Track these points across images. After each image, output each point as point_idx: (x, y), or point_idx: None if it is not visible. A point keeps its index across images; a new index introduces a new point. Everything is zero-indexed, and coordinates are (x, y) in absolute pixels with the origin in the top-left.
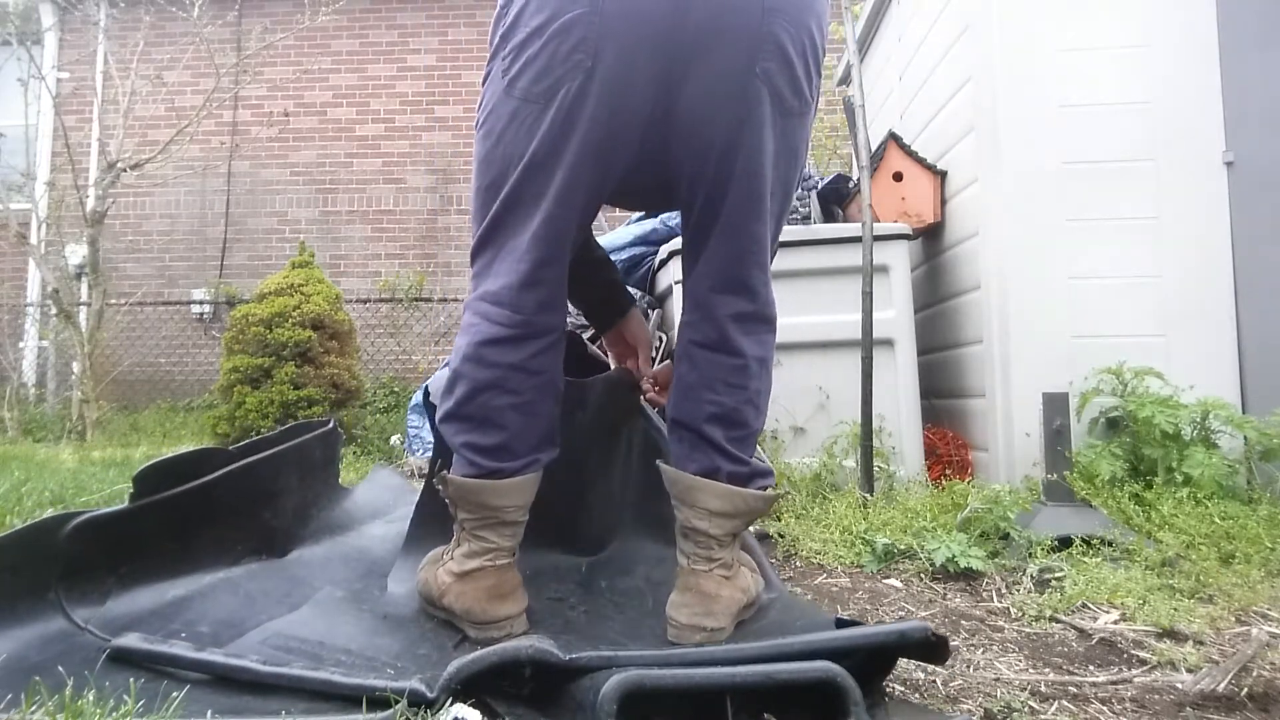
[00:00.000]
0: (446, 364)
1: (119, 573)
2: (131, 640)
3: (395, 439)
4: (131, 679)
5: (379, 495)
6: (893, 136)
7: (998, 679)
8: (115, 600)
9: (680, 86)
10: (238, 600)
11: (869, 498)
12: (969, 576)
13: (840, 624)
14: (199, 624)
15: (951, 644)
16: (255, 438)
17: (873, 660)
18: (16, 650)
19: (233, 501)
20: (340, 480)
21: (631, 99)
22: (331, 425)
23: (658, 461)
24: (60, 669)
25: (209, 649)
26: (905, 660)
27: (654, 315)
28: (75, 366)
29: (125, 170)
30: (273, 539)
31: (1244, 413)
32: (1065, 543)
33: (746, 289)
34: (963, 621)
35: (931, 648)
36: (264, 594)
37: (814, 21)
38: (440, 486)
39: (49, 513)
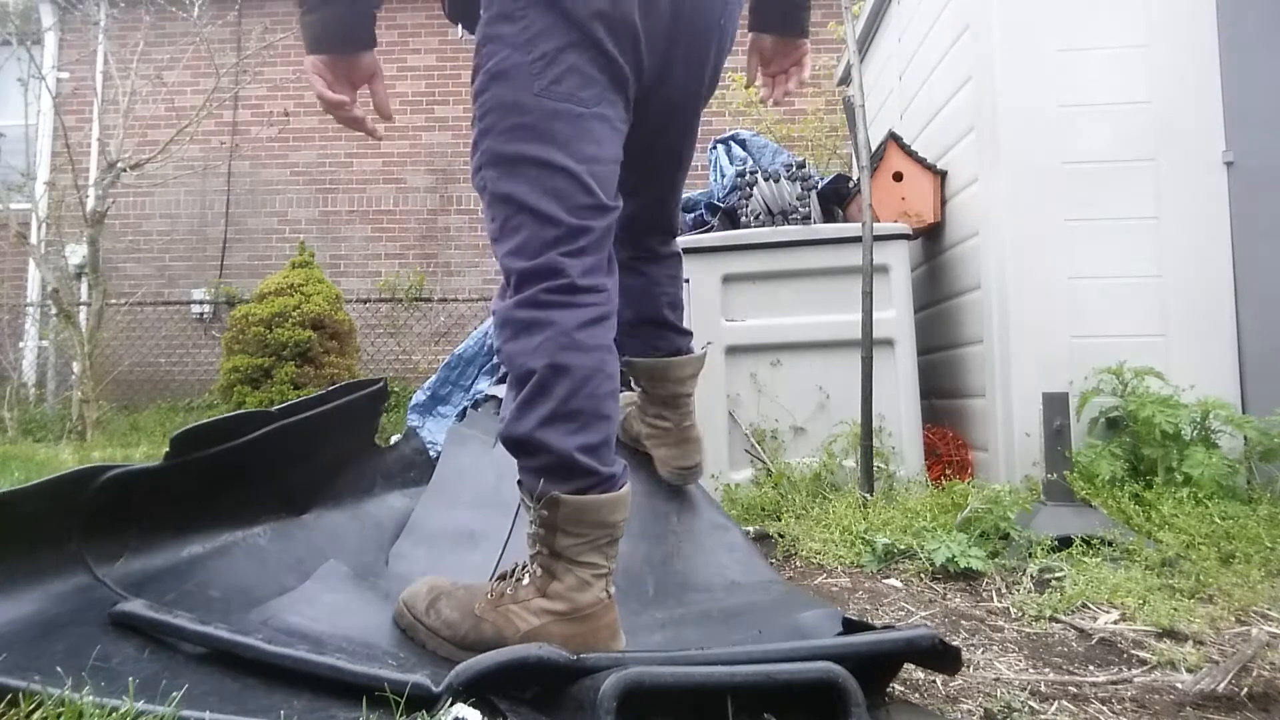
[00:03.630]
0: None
1: (141, 527)
2: (137, 607)
3: (395, 439)
4: (134, 662)
5: (405, 465)
6: (893, 136)
7: (998, 679)
8: (134, 555)
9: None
10: (252, 563)
11: (869, 498)
12: (969, 576)
13: (847, 623)
14: (210, 586)
15: (952, 645)
16: (303, 396)
17: (877, 663)
18: (36, 604)
19: (264, 462)
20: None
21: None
22: (381, 385)
23: (622, 359)
24: (76, 627)
25: (215, 623)
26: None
27: None
28: (75, 366)
29: (125, 170)
30: (296, 497)
31: (1244, 413)
32: (1065, 543)
33: (671, 228)
34: (963, 621)
35: (940, 656)
36: (277, 558)
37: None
38: (545, 512)
39: None
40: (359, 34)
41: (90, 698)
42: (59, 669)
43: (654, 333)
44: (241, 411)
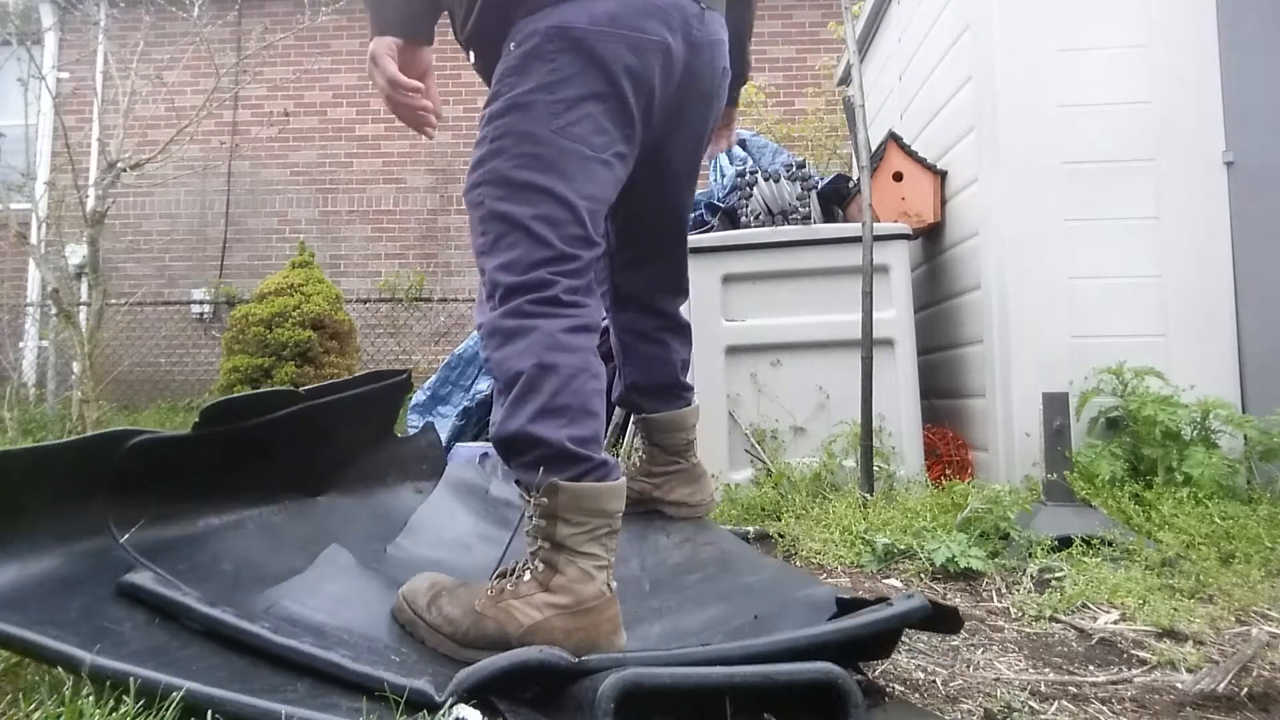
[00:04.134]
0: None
1: (163, 495)
2: (144, 580)
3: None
4: (145, 628)
5: (419, 457)
6: (893, 136)
7: (998, 679)
8: (153, 521)
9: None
10: (265, 540)
11: (869, 498)
12: (969, 576)
13: (841, 603)
14: (223, 559)
15: (951, 644)
16: (330, 380)
17: (876, 639)
18: (56, 561)
19: (287, 442)
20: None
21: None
22: (405, 376)
23: (643, 417)
24: (92, 587)
25: (221, 606)
26: (905, 659)
27: None
28: (75, 366)
29: (125, 170)
30: (312, 479)
31: (1244, 412)
32: (1065, 543)
33: (684, 288)
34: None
35: (938, 621)
36: (290, 538)
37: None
38: (545, 500)
39: None
40: (427, 25)
41: (90, 698)
42: (71, 629)
43: (670, 393)
44: (270, 389)
